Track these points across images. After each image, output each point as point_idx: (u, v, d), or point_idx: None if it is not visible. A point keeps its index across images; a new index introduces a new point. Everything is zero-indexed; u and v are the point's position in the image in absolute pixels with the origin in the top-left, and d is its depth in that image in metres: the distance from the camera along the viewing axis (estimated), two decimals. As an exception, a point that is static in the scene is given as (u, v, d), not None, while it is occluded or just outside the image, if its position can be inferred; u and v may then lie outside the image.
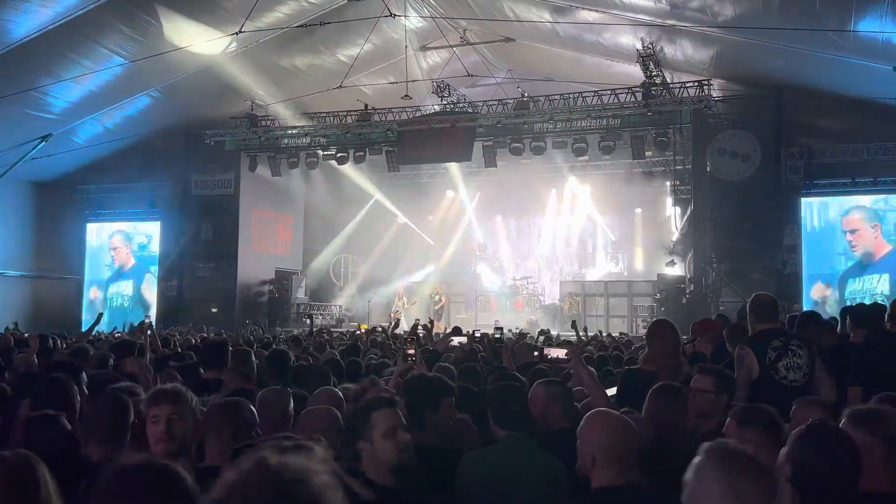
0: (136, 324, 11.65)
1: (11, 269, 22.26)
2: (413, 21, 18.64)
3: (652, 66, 18.01)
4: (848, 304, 15.09)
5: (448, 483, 3.52)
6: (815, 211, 19.23)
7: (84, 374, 4.86)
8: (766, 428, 3.12)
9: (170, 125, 21.21)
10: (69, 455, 3.38)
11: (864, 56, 14.67)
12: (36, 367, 6.31)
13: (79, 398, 4.12)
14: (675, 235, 21.38)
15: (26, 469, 2.42)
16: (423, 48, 20.64)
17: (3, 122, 17.96)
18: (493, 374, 6.03)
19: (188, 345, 9.23)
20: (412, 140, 20.44)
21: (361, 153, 21.44)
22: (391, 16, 16.82)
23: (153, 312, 22.49)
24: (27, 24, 14.86)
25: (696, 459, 2.18)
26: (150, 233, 23.96)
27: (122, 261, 24.16)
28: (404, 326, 17.64)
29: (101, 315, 12.29)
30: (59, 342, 9.27)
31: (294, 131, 21.69)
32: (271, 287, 23.10)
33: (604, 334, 12.01)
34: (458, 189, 25.74)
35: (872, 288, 18.11)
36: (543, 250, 26.56)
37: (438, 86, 20.29)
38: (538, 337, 11.91)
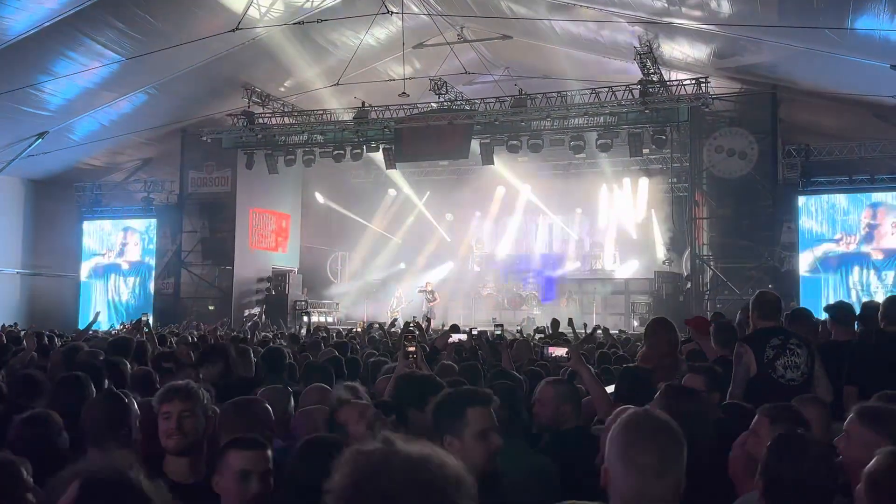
0: (132, 321, 11.63)
1: (7, 266, 22.24)
2: (410, 18, 18.61)
3: (649, 63, 18.01)
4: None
5: None
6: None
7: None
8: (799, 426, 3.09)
9: (166, 122, 21.17)
10: (63, 455, 3.38)
11: (862, 54, 14.68)
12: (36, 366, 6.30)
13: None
14: (673, 233, 21.43)
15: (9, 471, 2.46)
16: (421, 45, 20.61)
17: (-1, 119, 17.96)
18: (492, 373, 6.05)
19: (184, 342, 9.22)
20: (409, 137, 20.42)
21: (358, 150, 21.42)
22: (388, 13, 16.81)
23: (150, 310, 22.49)
24: (23, 20, 14.81)
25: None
26: (148, 231, 23.97)
27: (129, 256, 24.13)
28: (401, 324, 17.61)
29: (98, 313, 12.31)
30: (55, 340, 9.27)
31: (291, 129, 21.66)
32: (268, 285, 23.08)
33: (599, 330, 11.99)
34: (458, 186, 25.75)
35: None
36: (541, 247, 26.58)
37: (436, 83, 20.26)
38: (534, 335, 11.92)
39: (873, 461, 2.42)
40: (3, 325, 15.18)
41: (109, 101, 19.11)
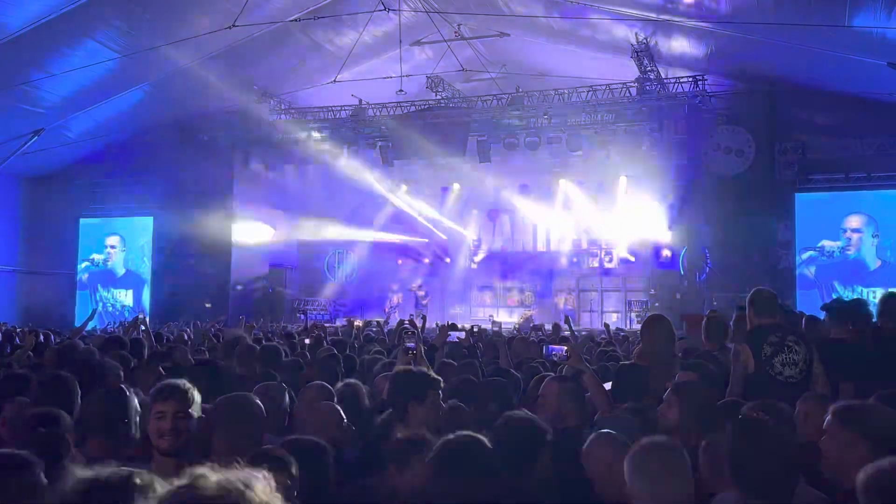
0: (129, 320, 11.62)
1: (4, 264, 22.18)
2: (407, 15, 18.58)
3: (646, 61, 18.00)
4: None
5: None
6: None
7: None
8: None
9: (163, 120, 21.12)
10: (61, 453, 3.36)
11: (859, 51, 14.68)
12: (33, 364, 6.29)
13: (79, 399, 4.10)
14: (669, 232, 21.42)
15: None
16: (418, 43, 20.58)
17: (-5, 116, 17.91)
18: (489, 370, 6.04)
19: (180, 340, 9.21)
20: (406, 135, 20.41)
21: (355, 148, 21.41)
22: (385, 10, 16.78)
23: (147, 308, 22.49)
24: (20, 17, 14.77)
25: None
26: (145, 228, 23.93)
27: (114, 262, 24.08)
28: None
29: (94, 311, 12.26)
30: (52, 338, 9.24)
31: (288, 126, 21.63)
32: (265, 283, 23.04)
33: (602, 331, 11.98)
34: (455, 183, 25.74)
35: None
36: (538, 245, 26.57)
37: (433, 81, 20.24)
38: (531, 332, 11.92)
39: (870, 468, 2.44)
40: (2, 323, 15.15)
41: (106, 98, 19.07)
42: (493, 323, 7.39)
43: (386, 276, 26.10)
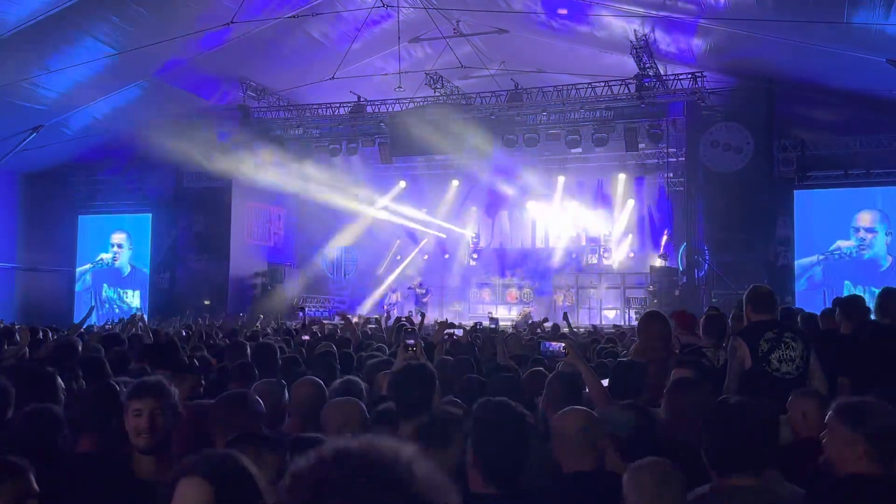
0: (127, 318, 11.61)
1: (2, 261, 22.16)
2: (406, 12, 18.57)
3: (645, 57, 17.99)
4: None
5: None
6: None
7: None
8: None
9: (161, 116, 21.07)
10: (57, 447, 3.36)
11: (858, 48, 14.68)
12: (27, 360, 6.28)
13: (63, 393, 4.08)
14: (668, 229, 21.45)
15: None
16: (416, 39, 20.57)
17: (-7, 113, 17.87)
18: (487, 366, 6.04)
19: (179, 337, 9.20)
20: (405, 132, 20.38)
21: (354, 145, 21.40)
22: (384, 6, 16.76)
23: (146, 305, 22.49)
24: (17, 13, 14.74)
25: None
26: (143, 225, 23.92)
27: (121, 262, 24.07)
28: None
29: (92, 307, 12.28)
30: (50, 335, 9.23)
31: (287, 123, 21.60)
32: (264, 279, 23.04)
33: (581, 329, 11.97)
34: (454, 180, 25.73)
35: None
36: (536, 242, 26.58)
37: (431, 77, 20.22)
38: (529, 329, 11.92)
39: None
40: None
41: (104, 95, 19.04)
42: (491, 319, 7.43)
43: (385, 273, 26.11)
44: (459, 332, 8.37)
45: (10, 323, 13.85)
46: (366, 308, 23.74)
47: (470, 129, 19.97)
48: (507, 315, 21.38)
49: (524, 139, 19.97)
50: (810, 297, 18.00)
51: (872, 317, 5.69)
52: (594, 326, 12.63)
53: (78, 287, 24.13)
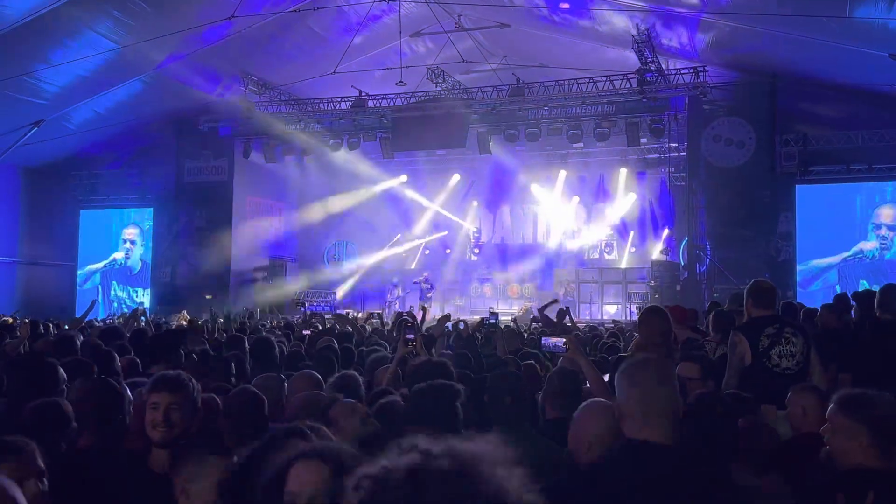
0: (129, 312, 11.63)
1: (4, 255, 22.19)
2: (407, 6, 18.53)
3: (647, 52, 17.94)
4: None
5: None
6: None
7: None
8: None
9: (163, 111, 21.09)
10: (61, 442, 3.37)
11: (860, 42, 14.63)
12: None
13: (65, 385, 4.08)
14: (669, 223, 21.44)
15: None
16: (418, 34, 20.52)
17: (-5, 107, 17.87)
18: (488, 361, 6.05)
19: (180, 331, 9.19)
20: (406, 127, 20.38)
21: (356, 139, 21.39)
22: (385, 0, 16.73)
23: (148, 299, 22.52)
24: (19, 8, 14.73)
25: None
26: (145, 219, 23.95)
27: (133, 259, 24.08)
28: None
29: (94, 301, 12.26)
30: (51, 328, 9.24)
31: (288, 117, 21.59)
32: (265, 274, 23.05)
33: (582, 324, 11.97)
34: (454, 176, 25.72)
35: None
36: (538, 237, 26.57)
37: (433, 72, 20.18)
38: (530, 324, 11.91)
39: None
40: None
41: (106, 89, 19.03)
42: (491, 314, 7.47)
43: (386, 267, 26.10)
44: (461, 326, 8.38)
45: (10, 315, 13.89)
46: (368, 302, 23.75)
47: (471, 123, 19.95)
48: (508, 310, 21.37)
49: (526, 134, 19.95)
50: (827, 299, 17.99)
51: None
52: (591, 328, 12.62)
53: (87, 286, 24.14)
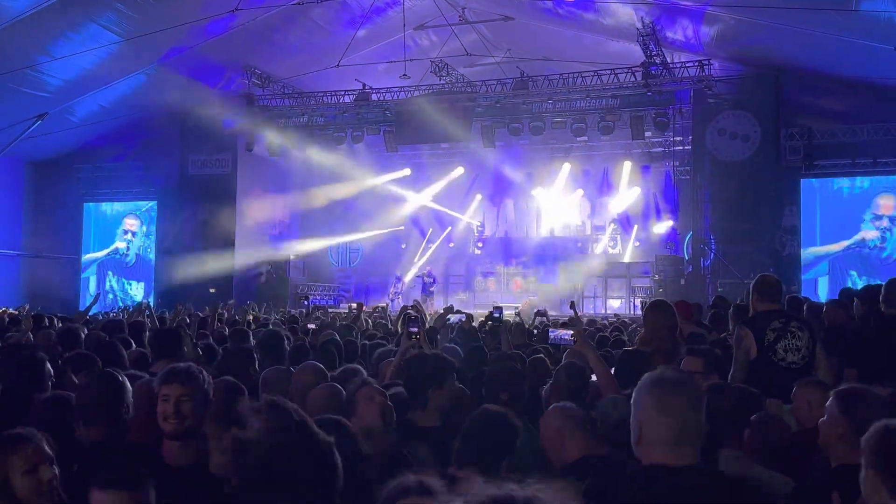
0: (133, 306, 11.64)
1: (8, 248, 22.22)
2: (411, -1, 18.50)
3: (652, 45, 17.88)
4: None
5: (448, 461, 3.51)
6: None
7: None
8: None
9: (166, 104, 21.05)
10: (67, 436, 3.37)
11: (866, 36, 14.57)
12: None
13: (51, 378, 4.09)
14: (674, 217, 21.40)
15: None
16: (422, 27, 20.47)
17: (-2, 100, 17.87)
18: (493, 355, 6.04)
19: (183, 324, 9.19)
20: (410, 120, 20.34)
21: (359, 133, 21.37)
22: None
23: (149, 295, 22.54)
24: (23, 0, 14.71)
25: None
26: (148, 213, 23.96)
27: (134, 248, 24.10)
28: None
29: (97, 295, 12.30)
30: (55, 322, 9.25)
31: (292, 111, 21.57)
32: (269, 268, 23.04)
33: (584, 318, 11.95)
34: (458, 168, 25.69)
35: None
36: (542, 231, 26.54)
37: (437, 65, 20.14)
38: (534, 318, 11.90)
39: (870, 432, 2.46)
40: (5, 308, 15.18)
41: (109, 82, 19.03)
42: (495, 308, 7.45)
43: (390, 261, 26.11)
44: (462, 318, 8.38)
45: (16, 308, 13.91)
46: (371, 297, 23.73)
47: (475, 117, 19.92)
48: (511, 303, 21.34)
49: (530, 127, 19.91)
50: (816, 288, 17.98)
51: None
52: (590, 321, 12.60)
53: (84, 275, 24.17)
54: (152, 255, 23.74)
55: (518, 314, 14.26)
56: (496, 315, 8.11)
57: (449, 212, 26.39)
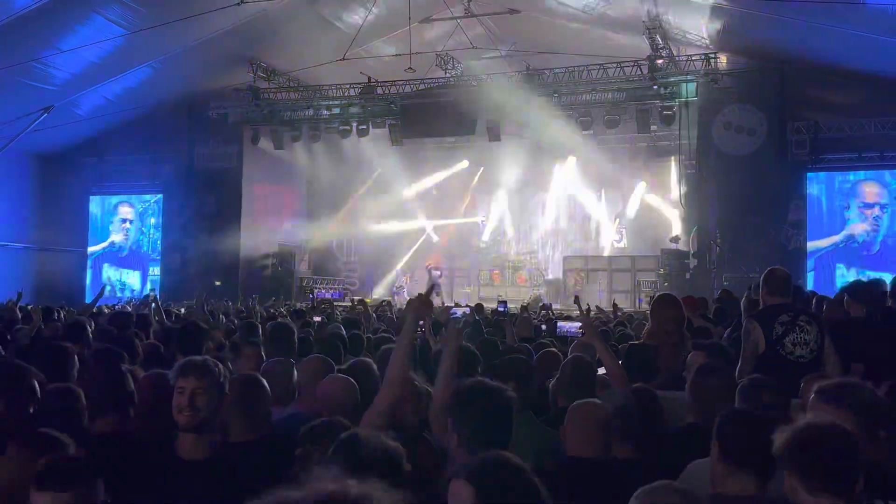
0: (140, 299, 11.66)
1: (14, 241, 22.27)
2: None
3: (658, 38, 17.82)
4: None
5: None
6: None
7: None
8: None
9: (172, 97, 21.09)
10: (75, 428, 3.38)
11: (873, 29, 14.51)
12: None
13: (76, 370, 4.11)
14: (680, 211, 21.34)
15: None
16: (428, 20, 20.42)
17: (4, 93, 17.85)
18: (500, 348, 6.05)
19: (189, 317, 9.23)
20: (416, 114, 20.33)
21: (364, 126, 21.35)
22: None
23: (137, 282, 22.63)
24: (28, -7, 14.73)
25: None
26: (154, 206, 23.99)
27: (132, 238, 24.14)
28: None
29: (104, 287, 12.33)
30: (62, 315, 9.28)
31: (297, 104, 21.56)
32: (274, 261, 23.07)
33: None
34: (463, 162, 25.67)
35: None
36: (547, 225, 26.51)
37: (442, 58, 20.10)
38: (539, 312, 11.91)
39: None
40: (9, 300, 15.19)
41: (115, 75, 19.04)
42: (500, 302, 7.49)
43: (395, 255, 26.13)
44: (467, 311, 8.39)
45: (24, 303, 13.92)
46: (377, 289, 23.78)
47: (480, 110, 19.88)
48: (516, 297, 21.35)
49: (535, 121, 19.85)
50: (816, 282, 17.92)
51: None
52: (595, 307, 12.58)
53: (89, 273, 24.25)
54: (153, 247, 23.77)
55: (524, 307, 14.26)
56: (501, 308, 8.12)
57: (453, 205, 26.38)
